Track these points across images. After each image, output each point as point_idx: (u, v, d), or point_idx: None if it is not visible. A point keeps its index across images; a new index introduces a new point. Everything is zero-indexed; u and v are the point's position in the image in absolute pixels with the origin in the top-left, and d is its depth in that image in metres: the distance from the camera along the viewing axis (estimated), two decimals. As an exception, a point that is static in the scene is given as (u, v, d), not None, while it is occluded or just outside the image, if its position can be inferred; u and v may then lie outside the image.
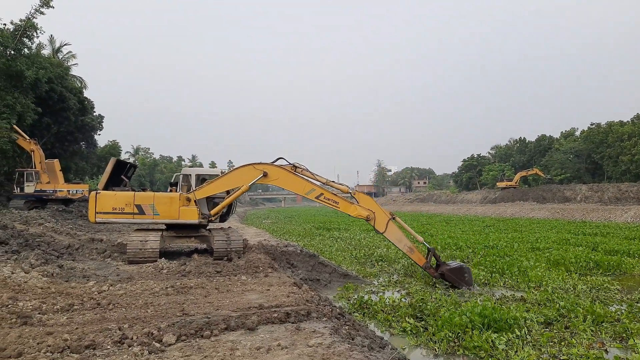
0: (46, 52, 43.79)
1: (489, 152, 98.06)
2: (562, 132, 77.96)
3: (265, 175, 12.92)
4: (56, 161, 30.51)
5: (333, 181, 13.60)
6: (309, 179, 13.15)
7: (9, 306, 7.34)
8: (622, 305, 10.03)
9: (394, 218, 12.86)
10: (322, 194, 12.86)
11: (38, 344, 5.60)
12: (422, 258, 12.65)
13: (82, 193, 30.54)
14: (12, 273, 9.68)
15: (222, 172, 14.61)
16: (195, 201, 13.47)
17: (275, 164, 13.18)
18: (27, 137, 30.14)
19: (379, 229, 12.74)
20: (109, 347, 5.63)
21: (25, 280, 9.25)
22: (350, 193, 13.64)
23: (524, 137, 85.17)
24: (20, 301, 7.71)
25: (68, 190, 29.99)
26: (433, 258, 12.57)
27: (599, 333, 8.02)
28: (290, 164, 13.31)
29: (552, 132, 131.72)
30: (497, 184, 72.73)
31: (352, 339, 6.40)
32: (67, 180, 34.47)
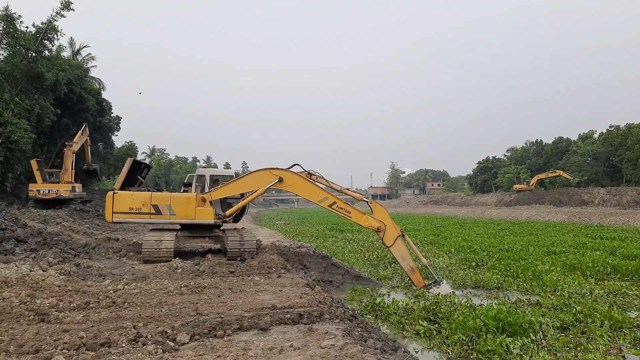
0: (66, 54, 44.65)
1: (504, 155, 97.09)
2: (580, 134, 76.71)
3: (280, 180, 13.08)
4: (33, 161, 29.89)
5: (348, 188, 13.78)
6: (324, 187, 13.27)
7: (27, 303, 7.49)
8: (641, 311, 9.83)
9: (403, 235, 12.90)
10: (335, 202, 12.98)
11: (55, 341, 5.70)
12: (422, 280, 12.69)
13: (56, 193, 29.07)
14: (31, 271, 9.88)
15: (236, 174, 14.74)
16: (210, 202, 13.60)
17: (291, 170, 13.35)
18: None
19: (387, 242, 12.86)
20: (123, 345, 5.70)
21: (43, 278, 9.42)
22: (366, 201, 13.72)
23: (541, 139, 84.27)
24: (38, 299, 7.85)
25: (38, 190, 28.81)
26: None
27: (617, 339, 7.87)
28: (305, 171, 13.52)
29: (569, 134, 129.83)
30: (514, 186, 71.80)
31: (365, 341, 6.39)
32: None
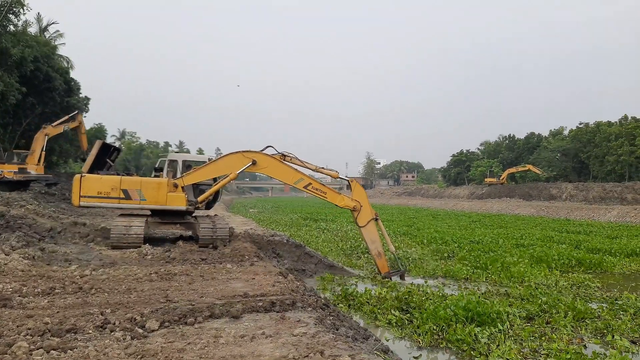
0: (33, 30, 42.71)
1: (478, 148, 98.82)
2: (550, 130, 78.85)
3: (254, 163, 12.83)
4: None
5: (323, 167, 13.56)
6: (298, 168, 13.13)
7: (-12, 288, 7.20)
8: (602, 303, 10.21)
9: (377, 219, 12.94)
10: (310, 183, 12.87)
11: (18, 326, 5.50)
12: (386, 267, 12.83)
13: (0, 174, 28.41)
14: (-8, 255, 9.49)
15: (209, 159, 14.46)
16: (182, 187, 13.33)
17: (264, 152, 13.10)
18: None
19: (360, 222, 12.90)
20: (90, 331, 5.55)
21: (6, 263, 9.07)
22: (344, 178, 13.68)
23: (514, 135, 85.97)
24: (0, 283, 7.56)
25: None
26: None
27: (579, 329, 8.16)
28: (279, 153, 13.27)
29: (541, 130, 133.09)
30: (485, 179, 73.34)
31: (337, 329, 6.41)
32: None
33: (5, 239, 11.35)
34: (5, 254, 9.77)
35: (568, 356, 6.44)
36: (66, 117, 31.70)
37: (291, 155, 13.36)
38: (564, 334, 7.69)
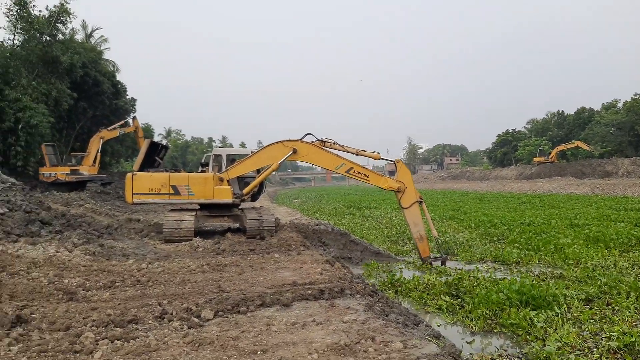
0: (79, 37, 44.71)
1: (524, 127, 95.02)
2: (603, 103, 74.44)
3: (294, 152, 12.86)
4: (43, 145, 28.73)
5: (363, 150, 13.38)
6: (339, 153, 13.06)
7: (55, 283, 7.68)
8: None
9: (421, 202, 12.69)
10: (352, 167, 12.77)
11: (84, 318, 5.84)
12: (427, 251, 12.59)
13: (55, 176, 28.62)
14: (57, 252, 10.11)
15: (251, 152, 14.70)
16: (228, 181, 13.64)
17: (304, 140, 13.14)
18: None
19: (403, 204, 12.68)
20: (150, 321, 5.82)
21: (69, 259, 9.64)
22: (386, 159, 13.48)
23: (562, 110, 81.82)
24: (65, 278, 8.05)
25: (43, 174, 28.80)
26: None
27: (644, 311, 7.73)
28: (318, 139, 13.25)
29: (593, 104, 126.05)
30: (534, 159, 70.46)
31: (387, 316, 6.40)
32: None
33: (68, 237, 12.06)
34: (69, 251, 10.39)
35: (632, 339, 6.12)
36: (121, 122, 33.39)
37: (330, 140, 13.29)
38: (627, 316, 7.30)
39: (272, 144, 13.30)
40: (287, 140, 13.07)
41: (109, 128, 32.39)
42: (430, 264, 12.39)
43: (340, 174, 13.11)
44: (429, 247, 12.74)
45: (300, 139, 13.16)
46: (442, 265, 12.28)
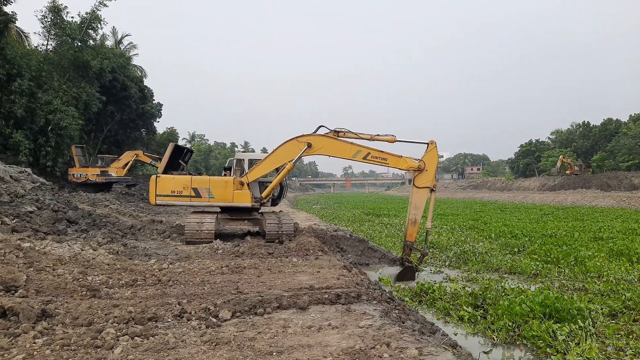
0: (109, 43, 46.03)
1: (548, 137, 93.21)
2: (631, 115, 72.42)
3: (309, 146, 12.76)
4: (73, 147, 30.50)
5: (378, 134, 13.11)
6: (354, 141, 12.91)
7: (80, 280, 7.89)
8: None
9: (432, 190, 12.55)
10: (368, 153, 12.67)
11: (106, 314, 5.99)
12: (414, 236, 12.55)
13: (85, 177, 30.36)
14: (82, 250, 10.40)
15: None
16: (248, 185, 13.78)
17: (317, 133, 13.04)
18: None
19: (417, 183, 12.57)
20: (169, 320, 5.93)
21: (94, 257, 9.90)
22: (405, 141, 13.08)
23: (588, 121, 79.97)
24: (89, 275, 8.26)
25: (73, 174, 30.82)
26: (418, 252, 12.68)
27: (671, 328, 7.48)
28: (331, 130, 13.07)
29: (620, 116, 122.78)
30: (552, 170, 69.43)
31: (403, 323, 6.37)
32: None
33: (93, 236, 12.38)
34: (93, 250, 10.66)
35: (659, 356, 5.95)
36: (157, 156, 34.74)
37: (344, 129, 13.02)
38: (654, 333, 7.09)
39: (286, 141, 13.20)
40: (300, 136, 12.98)
41: (146, 153, 34.72)
42: (410, 249, 12.38)
43: (358, 161, 12.82)
44: (417, 233, 12.79)
45: (313, 132, 13.06)
46: (420, 259, 12.41)
